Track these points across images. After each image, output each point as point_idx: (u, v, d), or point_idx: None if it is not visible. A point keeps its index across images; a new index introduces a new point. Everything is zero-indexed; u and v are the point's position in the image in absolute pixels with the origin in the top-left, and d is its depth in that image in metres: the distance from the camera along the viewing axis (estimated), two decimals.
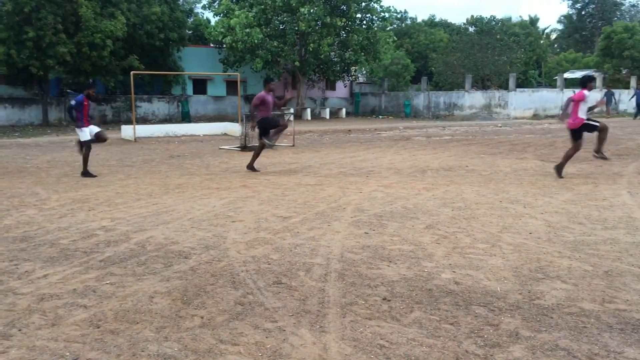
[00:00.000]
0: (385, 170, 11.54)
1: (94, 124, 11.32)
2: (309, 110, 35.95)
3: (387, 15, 34.69)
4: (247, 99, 36.23)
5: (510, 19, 56.22)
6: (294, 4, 30.23)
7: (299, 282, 4.60)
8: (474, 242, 5.77)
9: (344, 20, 32.26)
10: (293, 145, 17.37)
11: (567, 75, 45.02)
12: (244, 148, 16.30)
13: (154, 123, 28.95)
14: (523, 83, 45.34)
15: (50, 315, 3.96)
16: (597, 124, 10.21)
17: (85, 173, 10.99)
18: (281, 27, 32.54)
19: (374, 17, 34.11)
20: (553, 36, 70.50)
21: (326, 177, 10.70)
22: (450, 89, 40.55)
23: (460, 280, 4.61)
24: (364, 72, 39.72)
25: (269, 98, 11.33)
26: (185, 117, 31.86)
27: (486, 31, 44.51)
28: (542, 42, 54.67)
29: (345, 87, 41.28)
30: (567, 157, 10.44)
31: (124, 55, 28.37)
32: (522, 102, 35.22)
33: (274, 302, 4.17)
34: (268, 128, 11.47)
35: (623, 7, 67.54)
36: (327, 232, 6.23)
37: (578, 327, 3.70)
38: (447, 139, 20.00)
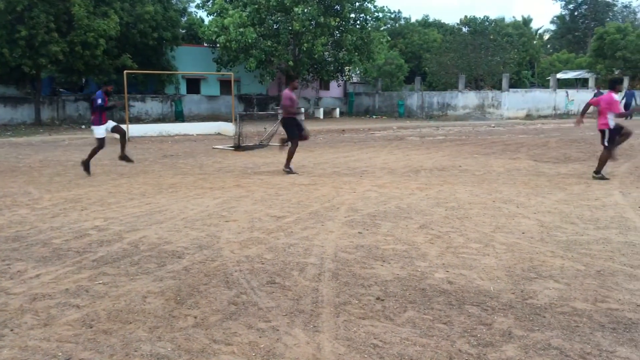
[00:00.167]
0: (379, 170, 11.55)
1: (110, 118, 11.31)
2: (302, 110, 35.90)
3: (380, 15, 34.72)
4: (241, 98, 36.20)
5: (503, 19, 56.45)
6: (287, 4, 30.21)
7: (292, 281, 4.60)
8: (467, 242, 5.79)
9: (337, 20, 32.26)
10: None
11: (559, 75, 45.27)
12: (237, 148, 16.28)
13: (147, 122, 28.83)
14: (516, 83, 45.53)
15: (43, 315, 3.94)
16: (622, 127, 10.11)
17: (86, 165, 10.97)
18: (275, 27, 32.51)
19: (367, 17, 34.13)
20: (546, 37, 70.80)
21: (320, 176, 10.71)
22: (443, 89, 40.66)
23: (454, 280, 4.63)
24: (358, 72, 39.72)
25: (294, 96, 11.26)
26: (179, 117, 31.78)
27: (479, 31, 44.69)
28: (535, 42, 54.94)
29: (339, 87, 41.26)
30: (607, 158, 10.16)
31: (117, 55, 28.25)
32: (515, 102, 35.37)
33: (267, 301, 4.17)
34: (294, 127, 11.24)
35: (615, 8, 67.87)
36: (321, 232, 6.23)
37: (570, 326, 3.72)
38: (441, 139, 20.05)
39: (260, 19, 31.56)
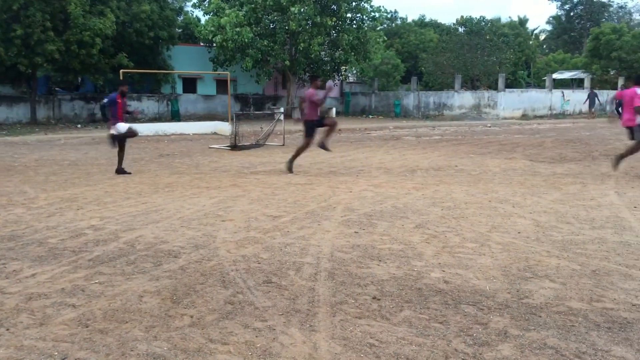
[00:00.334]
0: (375, 170, 11.56)
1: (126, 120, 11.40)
2: (299, 110, 35.90)
3: (377, 15, 34.71)
4: (237, 98, 36.15)
5: (499, 19, 56.48)
6: (284, 3, 30.18)
7: (289, 281, 4.60)
8: (463, 242, 5.80)
9: (334, 19, 32.25)
10: (283, 145, 17.35)
11: (555, 75, 45.35)
12: (233, 147, 16.27)
13: (143, 122, 28.76)
14: (512, 83, 45.61)
15: (39, 314, 3.94)
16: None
17: (120, 170, 11.11)
18: (271, 26, 32.47)
19: (364, 16, 34.12)
20: (542, 37, 70.97)
21: (316, 176, 10.71)
22: (440, 89, 40.71)
23: (450, 279, 4.64)
24: (354, 71, 39.76)
25: (318, 95, 11.21)
26: (175, 116, 31.72)
27: (476, 31, 44.74)
28: (531, 42, 54.98)
29: (335, 86, 41.27)
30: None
31: (113, 54, 28.18)
32: (511, 102, 35.44)
33: (264, 301, 4.17)
34: (312, 129, 11.14)
35: (611, 9, 68.10)
36: (317, 232, 6.23)
37: (566, 325, 3.73)
38: (437, 138, 20.08)
39: (256, 18, 31.52)
